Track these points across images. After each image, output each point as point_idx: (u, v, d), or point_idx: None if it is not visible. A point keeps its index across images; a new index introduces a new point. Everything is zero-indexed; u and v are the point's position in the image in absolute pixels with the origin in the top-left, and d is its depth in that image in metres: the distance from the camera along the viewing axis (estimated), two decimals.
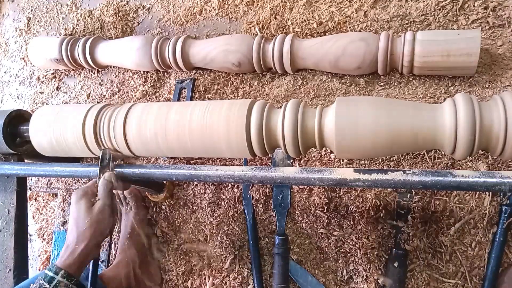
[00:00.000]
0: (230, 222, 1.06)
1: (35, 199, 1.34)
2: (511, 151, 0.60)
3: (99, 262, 1.09)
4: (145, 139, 0.79)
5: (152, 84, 1.19)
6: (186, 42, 1.09)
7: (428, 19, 0.94)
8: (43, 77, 1.39)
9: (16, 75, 1.46)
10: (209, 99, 1.12)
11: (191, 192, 1.10)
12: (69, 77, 1.35)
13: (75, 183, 1.23)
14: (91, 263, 0.80)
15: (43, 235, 1.31)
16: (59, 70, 1.36)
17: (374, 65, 0.91)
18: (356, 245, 0.94)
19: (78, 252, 0.74)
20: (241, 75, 1.10)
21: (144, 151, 0.83)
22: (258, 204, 1.03)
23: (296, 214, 1.00)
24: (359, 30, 1.00)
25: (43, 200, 1.33)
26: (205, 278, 1.08)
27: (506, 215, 0.83)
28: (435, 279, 0.90)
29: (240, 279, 1.04)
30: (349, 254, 0.96)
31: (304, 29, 1.05)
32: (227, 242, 1.05)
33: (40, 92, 1.38)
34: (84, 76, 1.32)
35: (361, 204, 0.93)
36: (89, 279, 0.80)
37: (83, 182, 1.22)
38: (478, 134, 0.60)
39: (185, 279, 1.11)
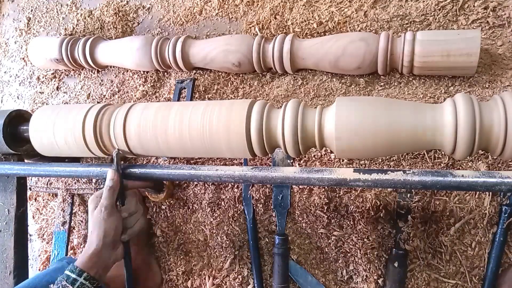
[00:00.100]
0: (230, 222, 1.06)
1: (35, 199, 1.34)
2: (511, 151, 0.60)
3: None
4: (145, 139, 0.79)
5: (152, 84, 1.19)
6: (186, 42, 1.09)
7: (428, 19, 0.94)
8: (43, 77, 1.39)
9: (16, 75, 1.45)
10: (209, 99, 1.12)
11: (191, 192, 1.10)
12: (69, 77, 1.35)
13: (75, 183, 1.23)
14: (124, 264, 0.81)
15: (43, 235, 1.31)
16: (59, 70, 1.36)
17: (374, 65, 0.91)
18: (356, 245, 0.94)
19: (89, 254, 0.75)
20: (241, 75, 1.10)
21: (144, 151, 0.83)
22: (258, 204, 1.03)
23: (296, 214, 1.00)
24: (359, 30, 1.00)
25: (43, 200, 1.33)
26: (205, 278, 1.08)
27: (506, 215, 0.83)
28: (435, 279, 0.90)
29: (240, 279, 1.04)
30: (349, 254, 0.96)
31: (304, 29, 1.05)
32: (227, 242, 1.05)
33: (40, 92, 1.38)
34: (84, 76, 1.32)
35: (361, 204, 0.93)
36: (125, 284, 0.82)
37: (83, 182, 1.22)
38: (478, 134, 0.60)
39: (185, 279, 1.11)
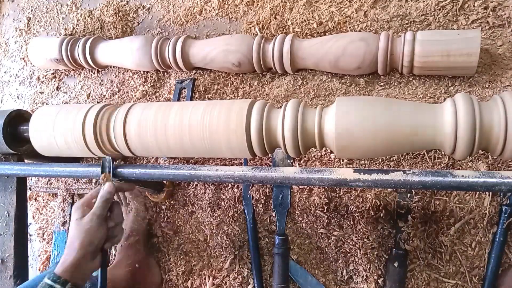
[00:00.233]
0: (230, 222, 1.06)
1: (35, 199, 1.34)
2: (511, 151, 0.60)
3: None
4: (145, 139, 0.79)
5: (152, 84, 1.19)
6: (186, 42, 1.09)
7: (428, 19, 0.94)
8: (43, 77, 1.39)
9: (16, 75, 1.46)
10: (209, 99, 1.12)
11: (191, 192, 1.10)
12: (69, 77, 1.35)
13: (75, 183, 1.23)
14: (99, 273, 0.80)
15: (43, 235, 1.31)
16: (59, 70, 1.36)
17: (374, 65, 0.91)
18: (356, 245, 0.94)
19: (69, 262, 0.73)
20: (241, 75, 1.10)
21: (144, 151, 0.83)
22: (258, 204, 1.03)
23: (296, 214, 1.00)
24: (359, 30, 1.00)
25: (43, 200, 1.33)
26: (205, 278, 1.08)
27: (506, 215, 0.83)
28: (435, 279, 0.90)
29: (240, 279, 1.04)
30: (349, 254, 0.96)
31: (304, 29, 1.05)
32: (227, 242, 1.05)
33: (40, 92, 1.38)
34: (84, 76, 1.32)
35: (361, 204, 0.93)
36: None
37: (83, 182, 1.22)
38: (478, 134, 0.60)
39: (185, 279, 1.11)
